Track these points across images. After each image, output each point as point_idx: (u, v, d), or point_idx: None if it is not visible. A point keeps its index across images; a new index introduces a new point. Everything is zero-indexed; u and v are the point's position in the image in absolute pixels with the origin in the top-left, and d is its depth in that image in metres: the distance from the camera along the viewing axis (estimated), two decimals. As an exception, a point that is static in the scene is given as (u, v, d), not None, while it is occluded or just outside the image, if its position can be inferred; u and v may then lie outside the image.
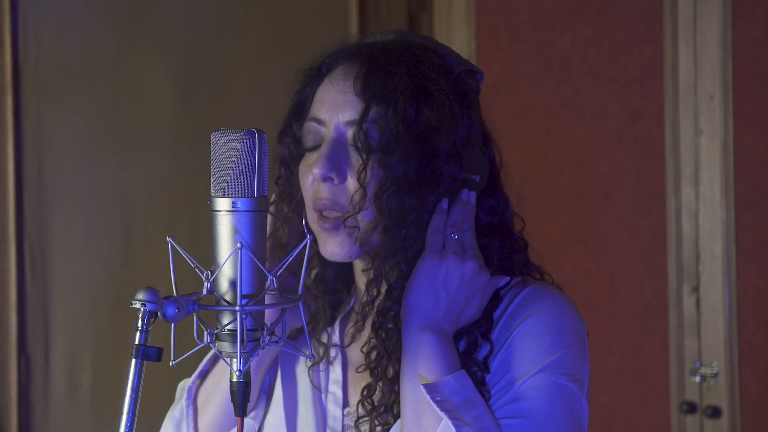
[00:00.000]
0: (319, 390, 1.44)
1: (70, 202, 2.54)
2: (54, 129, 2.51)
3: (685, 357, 2.76)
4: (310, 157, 1.37)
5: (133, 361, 1.09)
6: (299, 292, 1.18)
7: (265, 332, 1.13)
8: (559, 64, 2.96)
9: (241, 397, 1.13)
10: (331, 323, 1.47)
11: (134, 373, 1.08)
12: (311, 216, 1.38)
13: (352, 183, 1.34)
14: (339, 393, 1.42)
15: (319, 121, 1.37)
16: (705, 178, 2.74)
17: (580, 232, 2.92)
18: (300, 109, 1.42)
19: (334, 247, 1.35)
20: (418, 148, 1.33)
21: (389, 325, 1.35)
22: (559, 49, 2.96)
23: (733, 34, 2.71)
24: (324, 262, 1.44)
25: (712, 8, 2.73)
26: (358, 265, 1.42)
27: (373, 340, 1.36)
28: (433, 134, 1.34)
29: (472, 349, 1.34)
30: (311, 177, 1.36)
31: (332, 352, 1.45)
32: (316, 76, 1.41)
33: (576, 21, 2.94)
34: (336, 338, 1.46)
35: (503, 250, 1.40)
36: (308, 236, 1.17)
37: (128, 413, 1.08)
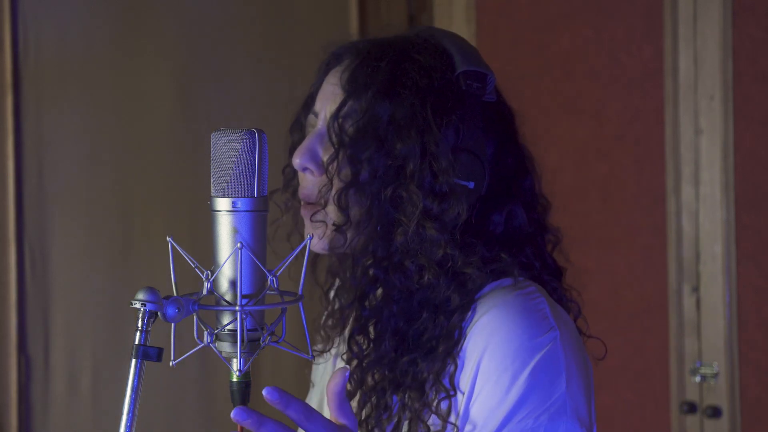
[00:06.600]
0: None
1: (70, 202, 2.54)
2: (54, 129, 2.51)
3: (685, 357, 2.76)
4: None
5: (133, 361, 1.08)
6: (299, 292, 1.18)
7: (265, 332, 1.13)
8: (559, 65, 2.96)
9: (241, 397, 1.13)
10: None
11: (134, 373, 1.08)
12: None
13: (325, 176, 1.33)
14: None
15: (315, 113, 1.37)
16: (705, 178, 2.74)
17: (580, 232, 2.92)
18: (310, 101, 1.42)
19: (313, 239, 1.33)
20: (382, 146, 1.29)
21: (361, 335, 1.31)
22: (559, 50, 2.96)
23: (733, 34, 2.71)
24: None
25: (712, 8, 2.72)
26: None
27: (347, 352, 1.33)
28: (401, 135, 1.28)
29: (439, 374, 1.28)
30: None
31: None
32: (326, 69, 1.40)
33: (576, 21, 2.93)
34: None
35: (517, 259, 1.37)
36: (308, 236, 1.17)
37: (128, 413, 1.08)
